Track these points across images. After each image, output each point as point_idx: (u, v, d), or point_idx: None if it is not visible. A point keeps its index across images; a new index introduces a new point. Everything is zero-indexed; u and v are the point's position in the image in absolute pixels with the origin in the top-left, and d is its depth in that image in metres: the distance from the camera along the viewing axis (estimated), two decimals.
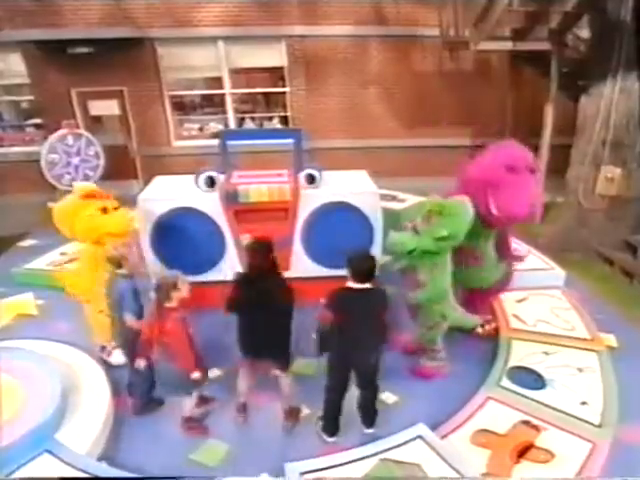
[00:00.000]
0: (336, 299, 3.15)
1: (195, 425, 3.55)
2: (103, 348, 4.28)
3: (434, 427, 3.35)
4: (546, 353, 4.16)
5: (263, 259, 3.25)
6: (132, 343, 3.56)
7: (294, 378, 3.69)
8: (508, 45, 7.69)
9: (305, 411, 3.69)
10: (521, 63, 8.24)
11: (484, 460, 3.08)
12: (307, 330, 4.13)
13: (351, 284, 3.13)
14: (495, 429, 3.33)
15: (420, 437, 3.17)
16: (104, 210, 4.06)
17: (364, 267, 3.11)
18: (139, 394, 3.72)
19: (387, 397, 3.79)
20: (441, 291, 3.83)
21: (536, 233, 7.07)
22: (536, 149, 7.99)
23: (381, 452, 3.04)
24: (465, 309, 4.10)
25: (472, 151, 10.09)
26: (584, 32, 6.97)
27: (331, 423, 3.40)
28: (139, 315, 3.54)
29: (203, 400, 3.69)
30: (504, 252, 4.45)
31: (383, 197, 6.20)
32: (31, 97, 10.21)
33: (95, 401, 3.66)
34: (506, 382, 3.80)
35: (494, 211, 3.85)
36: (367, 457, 3.01)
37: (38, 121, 10.36)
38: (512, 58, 8.42)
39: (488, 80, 9.67)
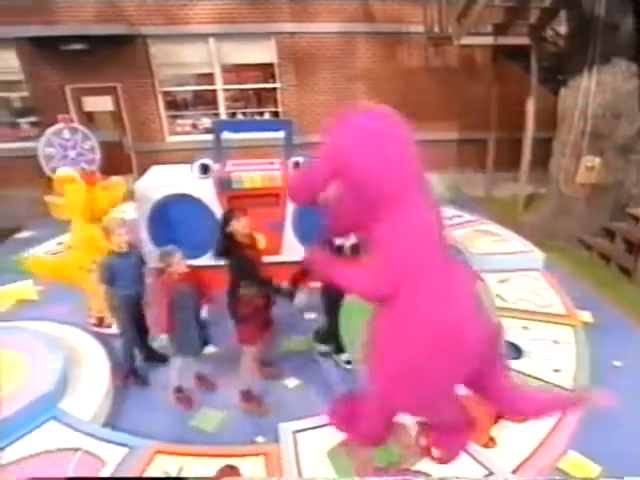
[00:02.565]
0: None
1: (182, 396, 3.73)
2: (101, 320, 4.49)
3: None
4: (525, 328, 4.40)
5: None
6: (125, 318, 3.82)
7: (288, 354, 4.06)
8: (490, 40, 7.97)
9: (295, 382, 3.91)
10: (503, 58, 8.50)
11: None
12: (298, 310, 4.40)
13: None
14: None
15: None
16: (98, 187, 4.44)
17: None
18: (122, 366, 3.98)
19: None
20: None
21: (519, 222, 7.35)
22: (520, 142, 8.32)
23: None
24: None
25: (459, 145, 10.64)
26: (563, 27, 7.24)
27: None
28: (131, 289, 3.77)
29: (203, 380, 3.90)
30: None
31: None
32: (25, 94, 10.35)
33: (96, 373, 3.85)
34: None
35: None
36: None
37: (33, 119, 10.52)
38: (495, 53, 8.69)
39: (472, 75, 9.96)
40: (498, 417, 3.31)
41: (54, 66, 9.82)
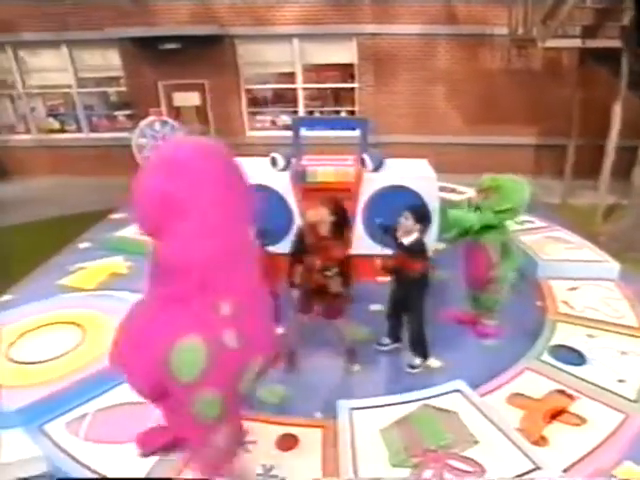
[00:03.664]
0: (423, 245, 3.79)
1: None
2: None
3: (473, 388, 3.67)
4: (590, 336, 4.32)
5: None
6: None
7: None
8: (577, 42, 7.73)
9: (356, 367, 4.13)
10: (591, 61, 8.20)
11: (518, 418, 3.37)
12: (363, 302, 4.64)
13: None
14: (531, 394, 3.60)
15: (459, 391, 3.51)
16: None
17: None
18: None
19: (432, 362, 4.16)
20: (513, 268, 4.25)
21: (596, 232, 7.10)
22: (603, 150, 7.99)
23: (423, 399, 3.42)
24: None
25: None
26: None
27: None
28: None
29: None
30: None
31: (443, 189, 6.53)
32: (122, 88, 11.33)
33: None
34: (546, 357, 4.03)
35: None
36: (411, 402, 3.40)
37: (128, 112, 11.49)
38: (582, 56, 8.39)
39: (555, 78, 9.65)
40: (552, 418, 3.35)
41: (150, 64, 10.66)
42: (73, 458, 3.01)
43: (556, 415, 3.40)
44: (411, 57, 10.37)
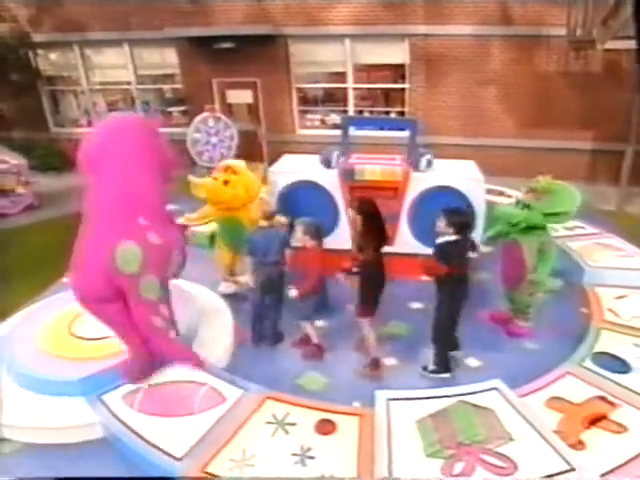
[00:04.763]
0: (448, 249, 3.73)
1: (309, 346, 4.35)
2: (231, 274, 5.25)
3: (511, 389, 3.68)
4: (637, 345, 4.21)
5: None
6: (256, 285, 4.34)
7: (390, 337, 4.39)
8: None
9: (392, 362, 4.23)
10: None
11: (556, 421, 3.35)
12: (405, 300, 4.70)
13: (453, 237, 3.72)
14: (570, 399, 3.57)
15: (496, 389, 3.54)
16: (226, 182, 4.89)
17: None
18: (263, 327, 4.50)
19: (471, 361, 4.19)
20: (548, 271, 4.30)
21: None
22: None
23: (459, 395, 3.47)
24: None
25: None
26: None
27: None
28: (263, 260, 4.30)
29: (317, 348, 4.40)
30: None
31: (491, 191, 6.49)
32: (178, 86, 11.80)
33: (220, 327, 4.48)
34: (589, 363, 3.97)
35: None
36: (447, 396, 3.45)
37: (183, 108, 11.96)
38: None
39: (615, 81, 9.28)
40: (591, 423, 3.32)
41: (205, 62, 11.05)
42: (126, 426, 3.26)
43: (595, 421, 3.37)
44: (463, 58, 10.26)
